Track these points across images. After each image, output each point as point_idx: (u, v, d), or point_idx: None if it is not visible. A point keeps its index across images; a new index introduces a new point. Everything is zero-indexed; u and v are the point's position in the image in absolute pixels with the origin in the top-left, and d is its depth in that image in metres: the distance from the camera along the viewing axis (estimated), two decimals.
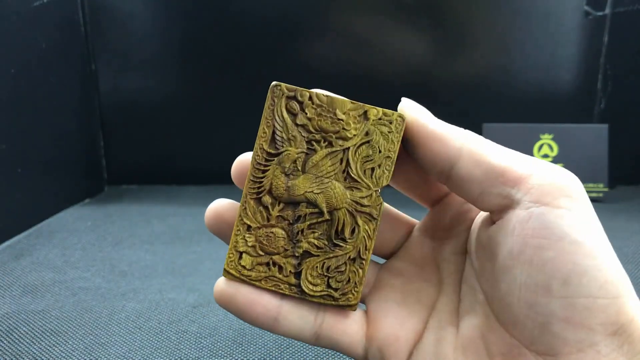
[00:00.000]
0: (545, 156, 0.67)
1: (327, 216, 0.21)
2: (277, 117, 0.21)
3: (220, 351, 0.33)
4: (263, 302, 0.21)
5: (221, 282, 0.21)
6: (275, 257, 0.21)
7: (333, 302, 0.21)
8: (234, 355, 0.32)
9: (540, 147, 0.67)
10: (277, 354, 0.32)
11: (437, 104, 0.71)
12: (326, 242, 0.21)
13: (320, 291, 0.21)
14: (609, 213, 0.61)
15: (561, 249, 0.17)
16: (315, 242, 0.21)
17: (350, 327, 0.21)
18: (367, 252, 0.21)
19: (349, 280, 0.21)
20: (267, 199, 0.21)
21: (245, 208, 0.21)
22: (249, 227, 0.21)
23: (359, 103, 0.20)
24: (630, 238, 0.52)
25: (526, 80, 0.70)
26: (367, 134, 0.20)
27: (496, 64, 0.71)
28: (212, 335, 0.34)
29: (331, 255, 0.21)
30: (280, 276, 0.21)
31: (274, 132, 0.21)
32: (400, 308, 0.22)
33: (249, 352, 0.32)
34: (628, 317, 0.16)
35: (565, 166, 0.67)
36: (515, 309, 0.18)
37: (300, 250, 0.21)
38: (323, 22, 0.70)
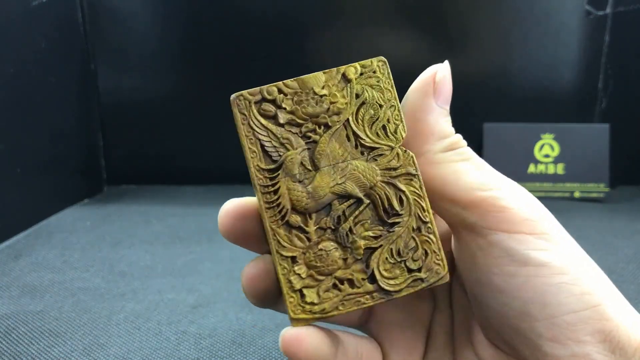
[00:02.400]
0: (547, 156, 0.67)
1: (366, 200, 0.18)
2: (256, 129, 0.18)
3: (219, 352, 0.32)
4: (334, 353, 0.18)
5: (299, 332, 0.17)
6: (339, 274, 0.18)
7: (425, 285, 0.17)
8: (233, 356, 0.32)
9: (541, 147, 0.67)
10: (276, 354, 0.32)
11: None
12: (381, 228, 0.18)
13: (405, 281, 0.17)
14: (610, 213, 0.60)
15: (529, 273, 0.16)
16: (370, 233, 0.18)
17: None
18: (427, 213, 0.18)
19: (426, 253, 0.17)
20: (295, 219, 0.18)
21: (278, 240, 0.18)
22: (293, 258, 0.18)
23: (332, 69, 0.18)
24: (631, 238, 0.52)
25: (527, 80, 0.70)
26: (357, 96, 0.18)
27: (497, 64, 0.70)
28: (211, 336, 0.34)
29: (394, 237, 0.18)
30: (355, 290, 0.18)
31: (262, 146, 0.18)
32: (403, 334, 0.22)
33: (248, 352, 0.32)
34: (613, 324, 0.16)
35: (567, 166, 0.67)
36: (502, 332, 0.18)
37: (360, 251, 0.18)
38: (323, 22, 0.70)
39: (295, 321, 0.18)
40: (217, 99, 0.73)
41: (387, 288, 0.17)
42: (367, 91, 0.18)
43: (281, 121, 0.18)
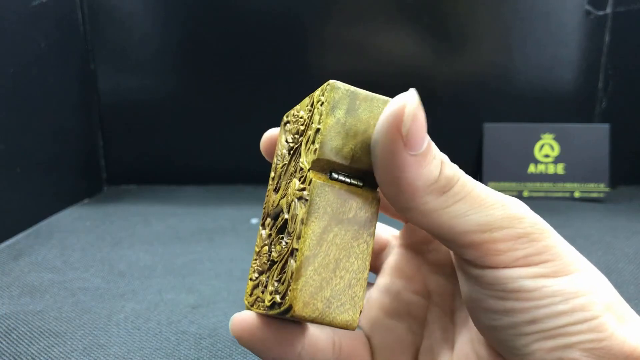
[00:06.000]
0: (547, 156, 0.67)
1: (286, 215, 0.18)
2: (279, 145, 0.21)
3: (219, 352, 0.32)
4: (290, 339, 0.19)
5: (243, 321, 0.19)
6: (262, 276, 0.19)
7: (276, 311, 0.17)
8: (233, 356, 0.32)
9: (542, 146, 0.67)
10: None
11: (438, 104, 0.71)
12: (284, 244, 0.18)
13: (270, 301, 0.17)
14: (610, 213, 0.60)
15: (520, 297, 0.16)
16: (278, 247, 0.18)
17: (365, 354, 0.21)
18: (300, 240, 0.16)
19: (286, 279, 0.17)
20: (268, 222, 0.20)
21: (258, 236, 0.21)
22: (257, 253, 0.20)
23: (313, 92, 0.19)
24: (631, 238, 0.51)
25: (527, 80, 0.70)
26: (310, 118, 0.18)
27: (497, 64, 0.70)
28: (211, 336, 0.34)
29: (281, 256, 0.18)
30: (261, 295, 0.19)
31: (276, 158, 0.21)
32: (394, 330, 0.22)
33: (248, 352, 0.32)
34: (607, 333, 0.16)
35: (567, 166, 0.67)
36: (491, 340, 0.18)
37: (268, 263, 0.19)
38: (323, 22, 0.70)
39: (246, 306, 0.20)
40: (217, 99, 0.73)
41: (266, 303, 0.18)
42: (315, 114, 0.18)
43: (285, 139, 0.20)
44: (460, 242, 0.17)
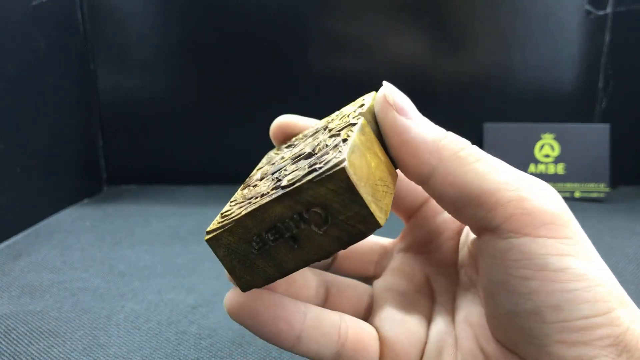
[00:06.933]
0: (547, 156, 0.67)
1: (308, 150, 0.19)
2: (271, 154, 0.25)
3: (219, 352, 0.32)
4: (287, 316, 0.19)
5: (235, 294, 0.19)
6: (262, 186, 0.19)
7: (316, 174, 0.16)
8: (233, 356, 0.32)
9: (542, 146, 0.67)
10: (276, 354, 0.32)
11: (437, 104, 0.71)
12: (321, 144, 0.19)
13: (301, 172, 0.17)
14: (611, 213, 0.60)
15: (546, 277, 0.16)
16: (294, 167, 0.18)
17: (371, 346, 0.21)
18: (352, 134, 0.18)
19: (331, 155, 0.16)
20: (257, 183, 0.20)
21: (235, 196, 0.20)
22: (243, 195, 0.20)
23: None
24: (631, 238, 0.51)
25: (527, 80, 0.70)
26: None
27: (497, 64, 0.70)
28: (211, 336, 0.34)
29: (313, 159, 0.17)
30: (261, 197, 0.17)
31: (270, 159, 0.23)
32: (403, 324, 0.21)
33: (248, 352, 0.32)
34: (622, 328, 0.16)
35: (567, 166, 0.67)
36: (510, 330, 0.18)
37: (285, 173, 0.18)
38: (324, 22, 0.70)
39: (207, 233, 0.19)
40: (217, 99, 0.73)
41: (284, 184, 0.17)
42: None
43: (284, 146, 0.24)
44: (488, 202, 0.17)
